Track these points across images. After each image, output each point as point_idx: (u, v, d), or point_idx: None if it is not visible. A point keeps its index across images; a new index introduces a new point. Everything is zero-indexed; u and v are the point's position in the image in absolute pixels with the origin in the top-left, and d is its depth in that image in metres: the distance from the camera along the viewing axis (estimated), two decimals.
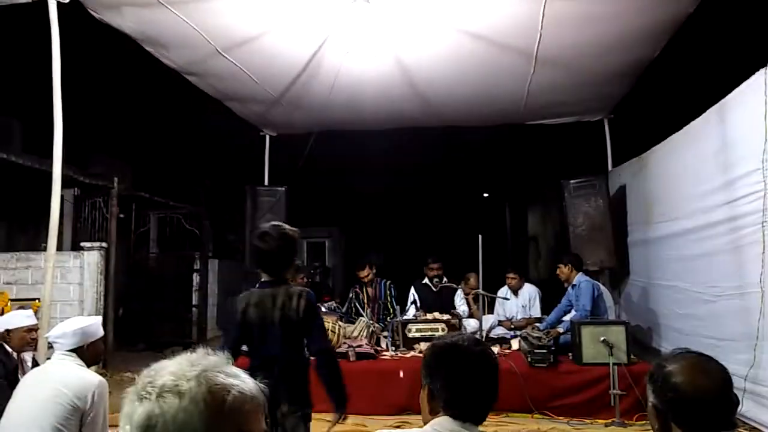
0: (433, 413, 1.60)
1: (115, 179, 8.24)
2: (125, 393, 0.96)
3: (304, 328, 2.83)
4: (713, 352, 1.63)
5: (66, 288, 7.19)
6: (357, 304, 6.77)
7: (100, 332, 3.02)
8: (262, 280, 2.90)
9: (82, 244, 7.70)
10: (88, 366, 2.90)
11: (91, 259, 7.37)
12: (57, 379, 2.73)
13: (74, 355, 2.84)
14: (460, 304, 6.81)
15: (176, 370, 0.95)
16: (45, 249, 4.58)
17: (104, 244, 7.60)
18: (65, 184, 7.43)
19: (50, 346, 3.52)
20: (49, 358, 3.11)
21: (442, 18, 4.93)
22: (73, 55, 4.75)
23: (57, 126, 4.42)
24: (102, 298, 7.39)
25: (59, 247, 7.24)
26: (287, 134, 8.60)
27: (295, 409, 2.71)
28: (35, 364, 3.82)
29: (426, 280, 6.95)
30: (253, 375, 1.03)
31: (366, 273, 6.89)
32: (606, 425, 4.78)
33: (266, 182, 8.54)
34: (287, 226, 2.87)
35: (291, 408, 2.69)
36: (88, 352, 2.89)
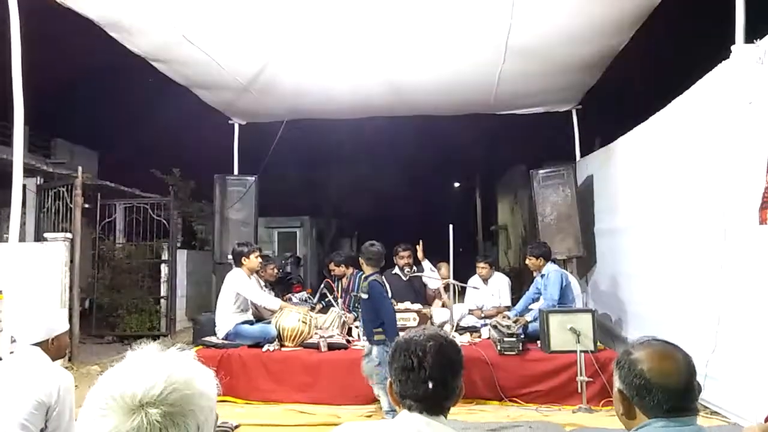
0: (397, 405, 1.66)
1: (80, 168, 8.04)
2: (101, 406, 0.91)
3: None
4: (676, 338, 1.67)
5: (29, 280, 6.99)
6: (329, 296, 6.74)
7: (65, 325, 2.95)
8: (376, 270, 4.82)
9: (46, 234, 7.51)
10: (53, 360, 2.83)
11: (56, 250, 7.20)
12: (21, 374, 2.66)
13: (38, 349, 2.78)
14: (431, 282, 6.82)
15: (154, 381, 0.92)
16: (6, 240, 4.46)
17: (68, 235, 7.42)
18: (27, 173, 7.24)
19: (13, 340, 3.43)
20: (12, 353, 3.04)
21: (413, 8, 4.92)
22: (35, 39, 4.61)
23: (17, 112, 4.28)
24: (67, 290, 7.23)
25: (22, 238, 7.05)
26: (257, 123, 8.50)
27: None
28: None
29: (396, 270, 6.96)
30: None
31: (341, 271, 6.90)
32: (573, 411, 4.88)
33: (236, 171, 8.44)
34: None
35: None
36: (52, 346, 2.82)
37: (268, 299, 5.92)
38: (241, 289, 5.77)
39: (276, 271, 7.33)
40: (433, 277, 6.87)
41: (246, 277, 5.82)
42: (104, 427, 0.88)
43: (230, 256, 7.54)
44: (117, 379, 0.93)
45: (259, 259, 6.03)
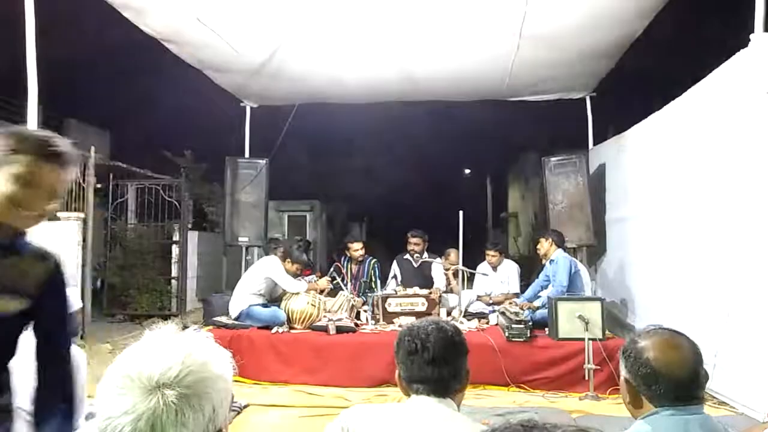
0: (406, 394, 1.69)
1: (92, 148, 8.08)
2: (118, 385, 0.92)
3: None
4: (685, 328, 1.67)
5: None
6: (337, 279, 6.76)
7: (78, 303, 2.99)
8: None
9: (59, 214, 7.57)
10: None
11: (68, 229, 7.27)
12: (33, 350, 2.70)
13: None
14: (438, 276, 6.84)
15: (171, 363, 0.92)
16: None
17: (81, 215, 7.49)
18: None
19: None
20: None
21: None
22: (49, 19, 4.62)
23: (31, 91, 4.31)
24: (79, 268, 7.31)
25: None
26: (268, 106, 8.49)
27: None
28: None
29: (408, 255, 6.98)
30: None
31: (358, 248, 6.90)
32: (580, 398, 4.89)
33: (247, 154, 8.45)
34: None
35: None
36: None
37: (296, 284, 5.99)
38: (273, 274, 5.97)
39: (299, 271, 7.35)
40: (439, 271, 6.86)
41: (282, 266, 6.02)
42: (121, 406, 0.89)
43: (242, 240, 7.63)
44: (135, 359, 0.94)
45: (298, 271, 6.25)
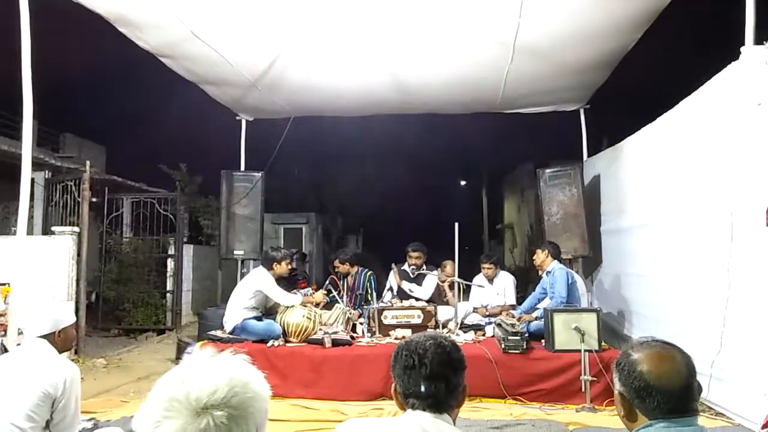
0: (402, 408, 1.68)
1: (87, 162, 8.08)
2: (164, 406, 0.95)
3: None
4: (681, 339, 1.67)
5: (37, 273, 7.05)
6: (333, 292, 6.75)
7: (72, 318, 2.98)
8: None
9: (54, 228, 7.56)
10: (60, 352, 2.86)
11: (63, 243, 7.24)
12: (28, 366, 2.69)
13: (45, 341, 2.80)
14: (427, 286, 6.82)
15: (217, 385, 0.96)
16: (15, 233, 4.50)
17: (76, 229, 7.47)
18: (36, 167, 7.30)
19: (20, 332, 3.47)
20: (19, 344, 3.07)
21: (421, 5, 4.92)
22: (45, 35, 4.64)
23: (26, 107, 4.32)
24: (74, 283, 7.28)
25: (30, 231, 7.11)
26: (264, 119, 8.52)
27: None
28: (4, 350, 3.76)
29: (405, 266, 6.97)
30: None
31: (340, 265, 6.92)
32: (577, 410, 4.87)
33: (242, 167, 8.46)
34: None
35: None
36: (59, 339, 2.85)
37: (290, 298, 5.95)
38: (265, 288, 5.87)
39: (290, 266, 7.34)
40: (430, 281, 6.84)
41: (272, 278, 5.94)
42: (170, 428, 0.91)
43: (237, 253, 7.61)
44: (179, 382, 0.96)
45: (289, 267, 6.18)
